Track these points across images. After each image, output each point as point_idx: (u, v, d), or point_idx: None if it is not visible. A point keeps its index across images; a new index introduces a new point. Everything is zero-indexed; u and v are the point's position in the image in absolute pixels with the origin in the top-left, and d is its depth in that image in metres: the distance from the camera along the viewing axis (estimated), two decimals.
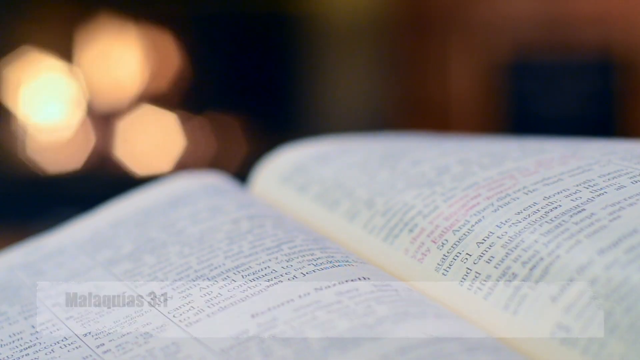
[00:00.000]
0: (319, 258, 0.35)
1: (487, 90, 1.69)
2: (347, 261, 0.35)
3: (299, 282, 0.34)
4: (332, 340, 0.30)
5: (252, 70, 1.76)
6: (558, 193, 0.35)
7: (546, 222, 0.34)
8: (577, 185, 0.35)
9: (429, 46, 1.72)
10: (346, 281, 0.33)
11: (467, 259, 0.34)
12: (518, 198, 0.36)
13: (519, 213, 0.35)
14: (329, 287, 0.33)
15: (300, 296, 0.33)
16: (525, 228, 0.34)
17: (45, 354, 0.34)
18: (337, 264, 0.35)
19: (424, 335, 0.30)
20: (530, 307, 0.31)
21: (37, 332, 0.35)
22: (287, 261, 0.35)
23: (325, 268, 0.34)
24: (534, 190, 0.36)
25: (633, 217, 0.32)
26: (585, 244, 0.32)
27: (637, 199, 0.33)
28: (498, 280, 0.32)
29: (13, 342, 0.35)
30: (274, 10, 1.73)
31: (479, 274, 0.33)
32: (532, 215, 0.34)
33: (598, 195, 0.34)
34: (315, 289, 0.33)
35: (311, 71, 1.71)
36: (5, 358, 0.34)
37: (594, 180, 0.36)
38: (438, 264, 0.35)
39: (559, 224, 0.33)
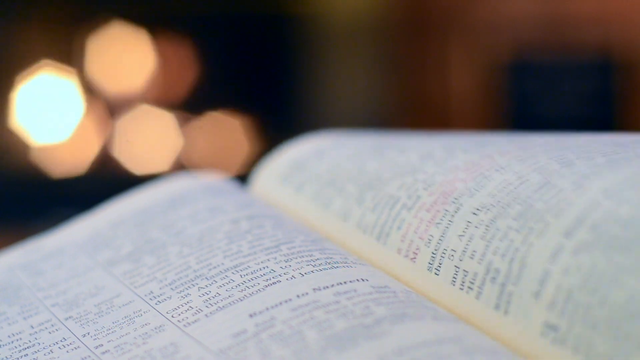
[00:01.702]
0: (318, 259, 0.35)
1: (487, 90, 1.69)
2: (345, 262, 0.35)
3: (297, 282, 0.34)
4: (330, 339, 0.30)
5: (252, 71, 1.76)
6: (529, 168, 0.35)
7: (517, 202, 0.33)
8: (549, 159, 0.35)
9: (429, 46, 1.72)
10: (344, 282, 0.33)
11: (452, 255, 0.34)
12: (491, 177, 0.35)
13: (492, 195, 0.34)
14: (327, 287, 0.33)
15: (298, 296, 0.33)
16: (499, 214, 0.33)
17: (44, 354, 0.34)
18: (335, 265, 0.35)
19: (421, 336, 0.30)
20: (518, 306, 0.30)
21: (36, 332, 0.35)
22: (286, 261, 0.35)
23: (324, 269, 0.34)
24: (506, 166, 0.35)
25: (596, 188, 0.31)
26: (553, 226, 0.31)
27: (603, 169, 0.33)
28: (484, 278, 0.32)
29: (12, 342, 0.35)
30: (274, 10, 1.73)
31: (467, 272, 0.33)
32: (505, 198, 0.34)
33: (566, 167, 0.34)
34: (314, 289, 0.33)
35: (312, 71, 1.71)
36: (5, 358, 0.34)
37: (567, 155, 0.35)
38: (429, 263, 0.35)
39: (529, 204, 0.33)
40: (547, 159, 0.35)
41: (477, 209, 0.34)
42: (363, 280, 0.34)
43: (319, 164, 0.44)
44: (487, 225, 0.33)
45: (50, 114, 1.68)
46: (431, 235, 0.35)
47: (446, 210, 0.35)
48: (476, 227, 0.33)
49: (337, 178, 0.42)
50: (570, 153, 0.35)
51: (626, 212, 0.30)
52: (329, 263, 0.35)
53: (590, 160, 0.34)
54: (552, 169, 0.34)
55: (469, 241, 0.33)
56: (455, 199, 0.35)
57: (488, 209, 0.34)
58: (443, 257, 0.34)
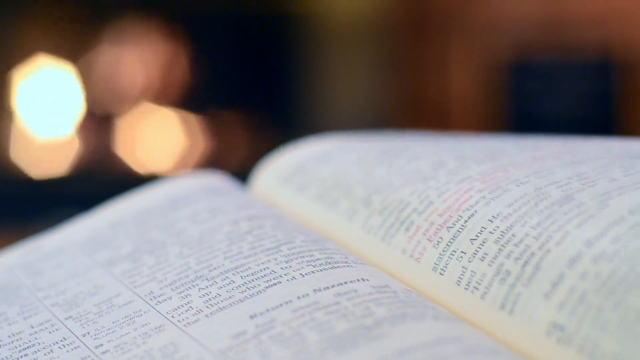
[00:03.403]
0: (318, 259, 0.35)
1: (487, 90, 1.69)
2: (346, 262, 0.35)
3: (297, 283, 0.34)
4: (330, 341, 0.30)
5: (252, 70, 1.76)
6: (549, 184, 0.35)
7: (536, 213, 0.33)
8: (569, 177, 0.35)
9: (429, 46, 1.72)
10: (345, 282, 0.33)
11: (462, 257, 0.34)
12: (510, 190, 0.36)
13: (510, 205, 0.35)
14: (328, 288, 0.33)
15: (298, 297, 0.33)
16: (516, 221, 0.34)
17: (44, 354, 0.34)
18: (336, 265, 0.35)
19: (422, 337, 0.30)
20: (525, 306, 0.31)
21: (36, 332, 0.35)
22: (286, 262, 0.35)
23: (324, 269, 0.34)
24: (525, 182, 0.36)
25: (621, 206, 0.32)
26: (574, 235, 0.31)
27: (627, 189, 0.33)
28: (493, 279, 0.32)
29: (12, 342, 0.35)
30: (274, 10, 1.73)
31: (474, 272, 0.33)
32: (523, 207, 0.34)
33: (589, 186, 0.34)
34: (314, 290, 0.33)
35: (312, 71, 1.72)
36: (5, 358, 0.34)
37: (586, 172, 0.35)
38: (435, 264, 0.35)
39: (549, 215, 0.33)
40: (566, 177, 0.35)
41: (494, 217, 0.34)
42: (363, 280, 0.34)
43: (323, 167, 0.44)
44: (502, 231, 0.33)
45: (51, 112, 1.68)
46: (441, 237, 0.35)
47: (460, 216, 0.35)
48: (491, 232, 0.34)
49: (344, 181, 0.42)
50: (590, 170, 0.35)
51: None
52: (329, 263, 0.35)
53: (612, 180, 0.34)
54: (574, 187, 0.34)
55: (481, 244, 0.34)
56: (471, 206, 0.36)
57: (505, 217, 0.34)
58: (451, 258, 0.34)
